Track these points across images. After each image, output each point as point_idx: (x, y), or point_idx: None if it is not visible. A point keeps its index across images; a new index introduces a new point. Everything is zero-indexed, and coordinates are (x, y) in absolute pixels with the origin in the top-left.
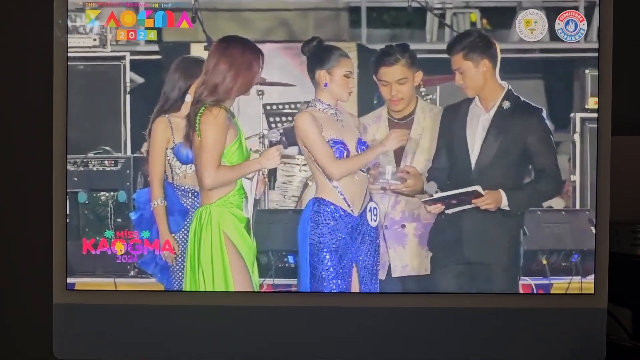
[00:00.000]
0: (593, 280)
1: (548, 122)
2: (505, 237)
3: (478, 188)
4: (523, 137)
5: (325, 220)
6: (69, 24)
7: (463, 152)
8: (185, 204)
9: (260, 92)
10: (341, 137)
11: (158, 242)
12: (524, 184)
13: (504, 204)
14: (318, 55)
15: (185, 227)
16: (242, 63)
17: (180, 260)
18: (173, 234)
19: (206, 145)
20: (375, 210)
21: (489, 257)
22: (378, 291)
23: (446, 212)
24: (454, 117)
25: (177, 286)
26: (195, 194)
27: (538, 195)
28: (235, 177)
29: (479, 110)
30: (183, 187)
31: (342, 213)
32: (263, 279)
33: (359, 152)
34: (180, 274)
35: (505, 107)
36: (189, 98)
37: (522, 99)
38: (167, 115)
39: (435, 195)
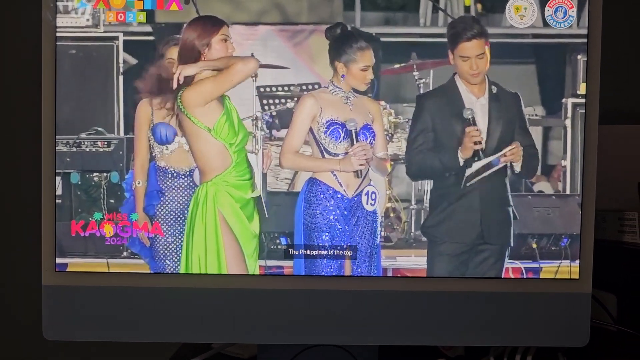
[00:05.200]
0: (577, 267)
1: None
2: (498, 220)
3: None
4: (513, 119)
5: (317, 200)
6: (60, 4)
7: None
8: (161, 185)
9: (253, 75)
10: (344, 119)
11: (137, 223)
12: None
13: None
14: (339, 45)
15: (161, 207)
16: (199, 32)
17: (163, 240)
18: (150, 215)
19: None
20: (373, 194)
21: (485, 239)
22: (370, 271)
23: (469, 183)
24: (447, 103)
25: (162, 265)
26: (175, 174)
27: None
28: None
29: (471, 96)
30: (162, 168)
31: (334, 193)
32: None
33: (361, 137)
34: (164, 254)
35: (494, 92)
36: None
37: (500, 84)
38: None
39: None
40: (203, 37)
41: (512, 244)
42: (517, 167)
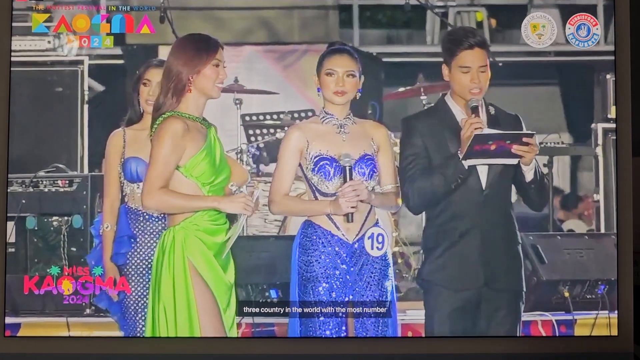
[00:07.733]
0: (616, 320)
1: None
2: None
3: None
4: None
5: (312, 245)
6: (19, 24)
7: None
8: (133, 229)
9: (238, 101)
10: (335, 154)
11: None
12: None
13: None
14: (320, 60)
15: (133, 256)
16: (190, 55)
17: (134, 294)
18: (119, 264)
19: (153, 161)
20: (380, 237)
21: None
22: (378, 330)
23: (467, 160)
24: (439, 125)
25: (133, 323)
26: (147, 217)
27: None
28: (181, 206)
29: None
30: (134, 210)
31: (331, 238)
32: (240, 318)
33: (357, 173)
34: (135, 309)
35: (492, 113)
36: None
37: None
38: (123, 127)
39: (487, 131)
40: (193, 64)
41: (524, 289)
42: (529, 175)
